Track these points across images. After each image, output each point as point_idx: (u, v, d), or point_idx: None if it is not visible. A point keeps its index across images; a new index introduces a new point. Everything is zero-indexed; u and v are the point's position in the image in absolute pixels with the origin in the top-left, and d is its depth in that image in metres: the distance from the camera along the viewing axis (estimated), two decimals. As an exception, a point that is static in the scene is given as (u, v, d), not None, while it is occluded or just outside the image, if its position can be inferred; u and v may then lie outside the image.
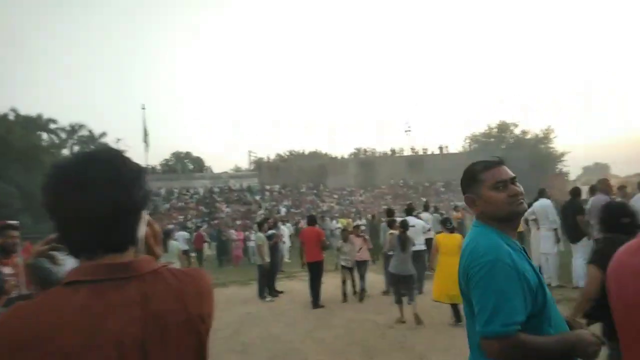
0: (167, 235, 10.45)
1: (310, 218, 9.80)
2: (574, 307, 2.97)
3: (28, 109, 52.22)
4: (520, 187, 1.70)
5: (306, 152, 60.66)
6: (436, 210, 14.76)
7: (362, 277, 9.06)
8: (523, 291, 1.50)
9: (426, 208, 12.02)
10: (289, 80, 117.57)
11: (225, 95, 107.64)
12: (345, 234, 9.60)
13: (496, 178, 1.67)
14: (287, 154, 59.73)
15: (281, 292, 10.17)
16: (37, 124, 42.61)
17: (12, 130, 32.26)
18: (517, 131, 52.05)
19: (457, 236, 6.67)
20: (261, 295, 9.63)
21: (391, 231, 7.59)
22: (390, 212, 9.49)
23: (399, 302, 6.83)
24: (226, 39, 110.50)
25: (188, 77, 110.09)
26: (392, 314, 7.30)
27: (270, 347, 6.06)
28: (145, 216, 1.10)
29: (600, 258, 2.75)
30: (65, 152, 46.74)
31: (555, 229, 8.28)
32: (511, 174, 1.71)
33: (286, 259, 15.60)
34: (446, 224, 6.86)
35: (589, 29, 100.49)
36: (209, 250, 19.81)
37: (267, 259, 9.62)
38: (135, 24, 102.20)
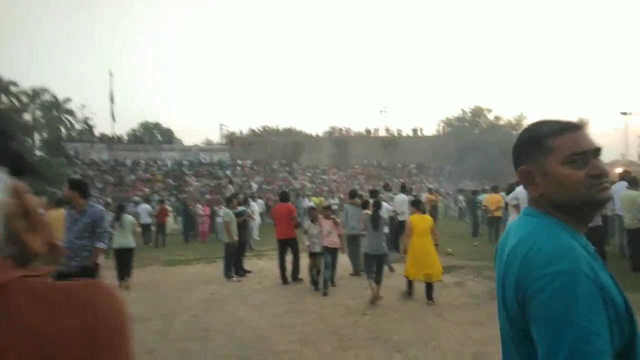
0: (121, 209, 9.36)
1: (283, 194, 9.46)
2: None
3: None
4: (603, 165, 1.14)
5: (280, 129, 59.63)
6: (409, 192, 14.37)
7: (328, 266, 7.67)
8: (609, 320, 0.97)
9: (403, 189, 11.62)
10: (266, 54, 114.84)
11: (198, 66, 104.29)
12: (313, 213, 8.38)
13: (574, 148, 1.12)
14: (261, 129, 58.55)
15: (249, 271, 9.64)
16: (-5, 85, 40.10)
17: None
18: (490, 116, 52.42)
19: (428, 217, 7.17)
20: (227, 274, 9.07)
21: (365, 211, 7.56)
22: (353, 194, 9.30)
23: (372, 278, 6.90)
24: (201, 5, 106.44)
25: (160, 43, 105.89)
26: (364, 298, 6.94)
27: (235, 334, 5.53)
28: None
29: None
30: (27, 116, 44.43)
31: None
32: (595, 143, 1.14)
33: (256, 237, 15.05)
34: (418, 206, 7.27)
35: (562, 13, 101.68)
36: (175, 224, 19.05)
37: (235, 237, 9.04)
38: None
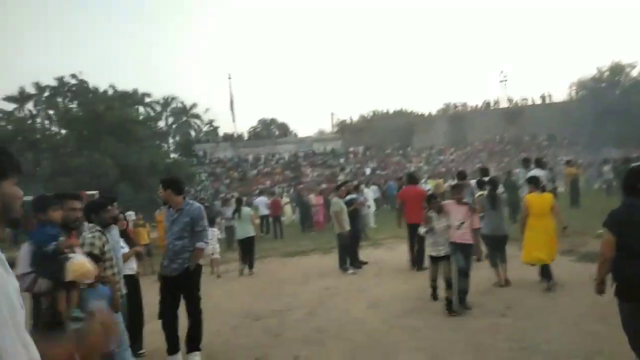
0: (240, 202, 10.49)
1: (411, 176, 9.25)
2: (596, 271, 3.19)
3: (124, 85, 55.55)
4: None
5: (390, 112, 58.15)
6: (545, 166, 12.34)
7: (462, 272, 5.55)
8: None
9: (539, 164, 10.00)
10: (368, 37, 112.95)
11: (307, 60, 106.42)
12: (435, 202, 5.83)
13: None
14: (371, 114, 57.76)
15: (365, 262, 9.05)
16: (134, 98, 45.17)
17: (111, 105, 34.35)
18: (634, 73, 44.63)
19: (548, 196, 6.35)
20: (342, 266, 8.59)
21: (480, 192, 7.26)
22: (462, 175, 9.04)
23: (495, 265, 6.50)
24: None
25: (271, 44, 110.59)
26: (498, 295, 5.89)
27: (350, 337, 4.95)
28: None
29: (611, 222, 3.06)
30: (161, 123, 49.44)
31: None
32: None
33: (372, 225, 14.43)
34: (536, 183, 6.40)
35: None
36: (293, 215, 19.31)
37: (347, 227, 8.50)
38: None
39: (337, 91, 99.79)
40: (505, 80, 52.96)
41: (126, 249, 4.63)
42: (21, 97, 36.43)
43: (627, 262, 2.95)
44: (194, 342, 4.55)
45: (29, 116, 35.41)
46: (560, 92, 68.98)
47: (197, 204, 4.72)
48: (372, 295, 6.70)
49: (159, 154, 35.45)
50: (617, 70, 45.58)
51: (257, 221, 11.84)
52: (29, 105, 37.03)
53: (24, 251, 3.13)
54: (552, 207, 6.06)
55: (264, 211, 15.73)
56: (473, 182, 9.34)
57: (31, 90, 36.56)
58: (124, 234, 4.78)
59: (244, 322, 5.93)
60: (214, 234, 9.77)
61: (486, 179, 8.00)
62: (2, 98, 35.35)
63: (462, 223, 5.64)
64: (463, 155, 38.94)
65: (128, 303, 4.15)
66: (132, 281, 4.63)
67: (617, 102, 36.91)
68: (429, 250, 6.00)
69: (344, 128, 47.42)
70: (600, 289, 3.19)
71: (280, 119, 62.65)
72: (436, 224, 5.71)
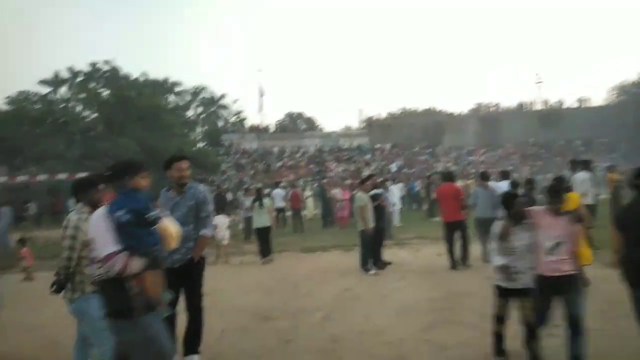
0: (260, 192, 10.45)
1: (447, 174, 9.11)
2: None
3: (156, 73, 55.90)
4: None
5: (420, 110, 56.85)
6: (592, 170, 11.23)
7: (577, 322, 3.59)
8: None
9: (586, 166, 9.13)
10: (400, 33, 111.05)
11: (337, 56, 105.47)
12: (517, 206, 3.84)
13: None
14: (400, 111, 56.60)
15: (389, 263, 8.42)
16: (164, 87, 45.43)
17: (142, 91, 34.53)
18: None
19: (574, 195, 5.92)
20: (364, 266, 7.98)
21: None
22: (485, 175, 8.67)
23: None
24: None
25: (302, 40, 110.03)
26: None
27: (369, 350, 4.35)
28: None
29: (616, 220, 3.52)
30: (190, 113, 49.66)
31: None
32: None
33: (397, 224, 13.74)
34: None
35: None
36: (315, 210, 18.77)
37: (370, 224, 7.88)
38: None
39: (365, 87, 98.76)
40: (541, 82, 50.98)
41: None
42: (55, 81, 36.92)
43: (631, 250, 3.33)
44: (192, 344, 4.04)
45: (61, 100, 35.89)
46: (598, 96, 65.98)
47: (202, 187, 4.20)
48: (396, 301, 6.07)
49: (186, 142, 35.55)
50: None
51: (274, 213, 11.45)
52: (63, 90, 37.56)
53: (101, 226, 2.59)
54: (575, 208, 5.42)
55: (279, 203, 15.24)
56: (501, 183, 8.72)
57: (65, 75, 37.05)
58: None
59: (252, 322, 5.39)
60: (224, 221, 10.00)
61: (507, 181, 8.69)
62: (38, 82, 35.97)
63: (559, 243, 3.61)
64: (494, 157, 37.56)
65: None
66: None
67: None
68: (498, 278, 3.89)
69: (371, 124, 46.59)
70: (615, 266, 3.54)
71: (308, 113, 62.24)
72: (517, 241, 3.76)
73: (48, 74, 36.88)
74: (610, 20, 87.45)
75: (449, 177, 8.78)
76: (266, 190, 14.38)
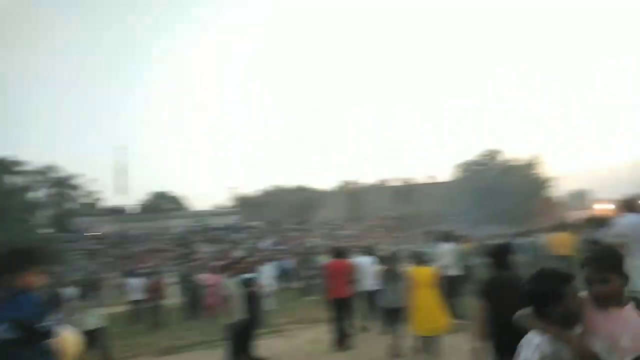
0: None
1: (338, 250, 8.71)
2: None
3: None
4: None
5: (291, 187, 58.33)
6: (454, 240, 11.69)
7: None
8: None
9: (447, 238, 9.57)
10: (268, 112, 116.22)
11: (205, 131, 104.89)
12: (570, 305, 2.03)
13: None
14: (271, 189, 57.28)
15: (263, 359, 7.44)
16: (1, 166, 39.62)
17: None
18: (504, 158, 50.49)
19: (428, 269, 6.55)
20: (231, 366, 6.88)
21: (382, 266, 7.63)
22: (337, 251, 8.61)
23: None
24: (203, 65, 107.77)
25: (166, 114, 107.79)
26: None
27: None
28: None
29: (481, 291, 3.79)
30: (40, 194, 44.02)
31: None
32: None
33: (271, 306, 12.80)
34: (421, 257, 6.74)
35: (574, 56, 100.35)
36: (178, 298, 16.84)
37: (239, 315, 6.95)
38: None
39: (236, 166, 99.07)
40: (397, 159, 56.51)
41: None
42: None
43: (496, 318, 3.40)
44: None
45: None
46: (444, 173, 75.56)
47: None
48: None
49: (26, 227, 30.89)
50: (492, 155, 51.14)
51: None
52: None
53: None
54: (433, 278, 6.32)
55: (137, 295, 13.36)
56: (365, 259, 9.20)
57: None
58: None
59: None
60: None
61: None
62: None
63: None
64: (361, 230, 39.41)
65: None
66: None
67: (493, 183, 40.90)
68: None
69: (243, 202, 46.04)
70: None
71: (175, 191, 59.29)
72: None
73: None
74: (454, 107, 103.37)
75: (340, 253, 8.44)
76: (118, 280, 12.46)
